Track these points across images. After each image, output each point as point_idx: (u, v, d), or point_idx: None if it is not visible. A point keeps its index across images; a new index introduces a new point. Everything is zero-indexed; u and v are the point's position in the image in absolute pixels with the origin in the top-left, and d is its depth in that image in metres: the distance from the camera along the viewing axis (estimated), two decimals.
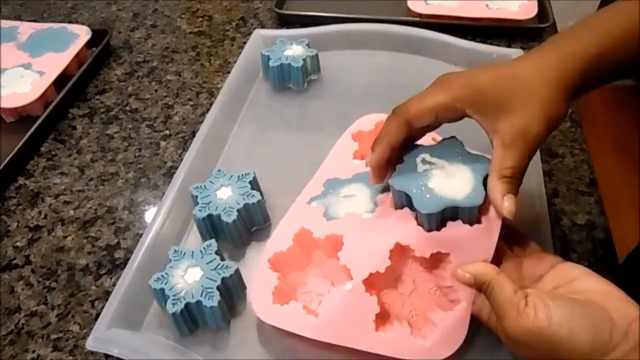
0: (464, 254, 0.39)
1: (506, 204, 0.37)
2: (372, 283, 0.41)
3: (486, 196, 0.39)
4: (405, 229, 0.41)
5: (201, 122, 0.59)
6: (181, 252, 0.44)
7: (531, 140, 0.37)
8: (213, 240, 0.45)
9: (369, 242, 0.42)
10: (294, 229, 0.45)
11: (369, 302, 0.39)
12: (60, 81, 0.66)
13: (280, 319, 0.41)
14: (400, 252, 0.41)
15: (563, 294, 0.34)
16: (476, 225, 0.40)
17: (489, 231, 0.39)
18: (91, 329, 0.42)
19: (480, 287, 0.37)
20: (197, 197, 0.49)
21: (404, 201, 0.41)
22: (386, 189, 0.44)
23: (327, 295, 0.42)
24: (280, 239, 0.45)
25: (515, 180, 0.37)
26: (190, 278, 0.43)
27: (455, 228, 0.40)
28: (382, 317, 0.40)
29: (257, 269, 0.43)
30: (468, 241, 0.39)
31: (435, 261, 0.41)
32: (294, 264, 0.45)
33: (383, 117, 0.43)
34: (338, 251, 0.42)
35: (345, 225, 0.44)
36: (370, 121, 0.56)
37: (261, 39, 0.71)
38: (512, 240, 0.41)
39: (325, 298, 0.42)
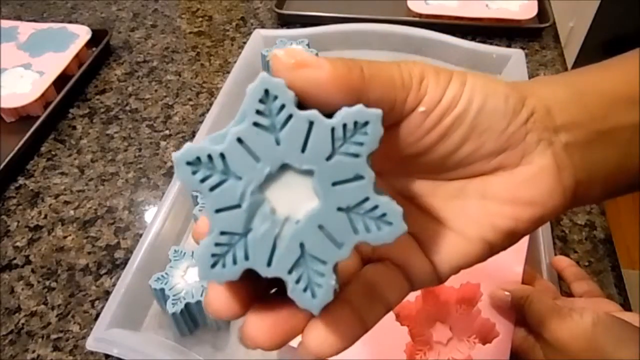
0: (493, 283, 0.39)
1: None
2: (402, 312, 0.40)
3: None
4: None
5: (201, 122, 0.59)
6: (181, 252, 0.44)
7: None
8: None
9: None
10: None
11: (399, 331, 0.38)
12: (60, 81, 0.66)
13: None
14: None
15: None
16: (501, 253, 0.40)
17: (515, 257, 0.39)
18: (91, 329, 0.42)
19: (518, 303, 0.36)
20: (197, 197, 0.49)
21: None
22: None
23: None
24: None
25: None
26: (190, 278, 0.43)
27: None
28: (413, 347, 0.39)
29: None
30: (496, 269, 0.39)
31: (465, 292, 0.41)
32: None
33: None
34: None
35: None
36: None
37: (261, 39, 0.71)
38: (575, 280, 0.40)
39: None
